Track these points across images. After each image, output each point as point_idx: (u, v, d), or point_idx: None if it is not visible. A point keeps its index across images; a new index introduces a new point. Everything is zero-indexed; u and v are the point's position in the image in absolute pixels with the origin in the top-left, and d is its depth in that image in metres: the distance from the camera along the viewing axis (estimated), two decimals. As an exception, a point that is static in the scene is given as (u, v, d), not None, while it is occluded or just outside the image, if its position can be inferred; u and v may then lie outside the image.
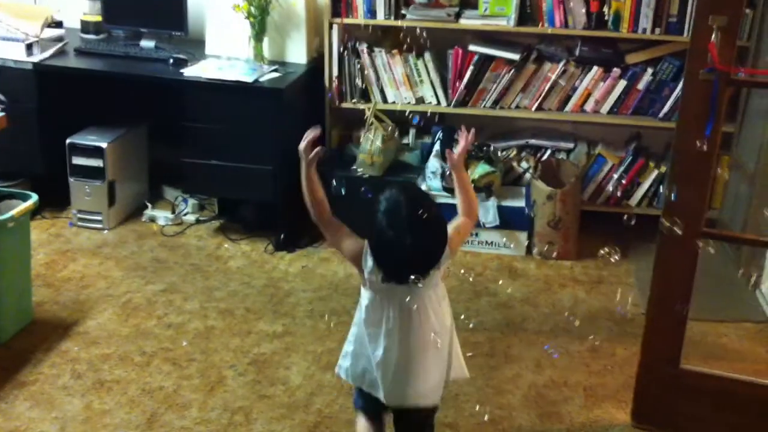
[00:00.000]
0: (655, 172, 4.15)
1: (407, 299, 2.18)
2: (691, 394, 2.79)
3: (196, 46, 4.26)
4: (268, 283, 3.74)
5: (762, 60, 3.83)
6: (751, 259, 3.84)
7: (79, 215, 4.16)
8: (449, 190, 4.02)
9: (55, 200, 4.26)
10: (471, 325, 3.44)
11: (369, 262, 2.20)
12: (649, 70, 4.03)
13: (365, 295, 2.27)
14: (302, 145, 2.29)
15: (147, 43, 4.27)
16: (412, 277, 2.11)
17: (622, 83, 4.05)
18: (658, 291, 2.74)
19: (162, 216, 4.27)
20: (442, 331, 2.26)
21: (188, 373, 3.10)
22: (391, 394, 2.28)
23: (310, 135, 2.29)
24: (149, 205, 4.34)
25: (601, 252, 2.61)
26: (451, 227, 2.25)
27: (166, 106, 4.10)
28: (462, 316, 3.51)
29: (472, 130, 2.38)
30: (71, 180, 4.13)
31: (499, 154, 4.21)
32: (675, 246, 2.66)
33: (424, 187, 4.04)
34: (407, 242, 2.08)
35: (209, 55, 4.20)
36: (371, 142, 4.02)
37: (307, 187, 2.31)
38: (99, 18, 4.40)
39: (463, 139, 2.37)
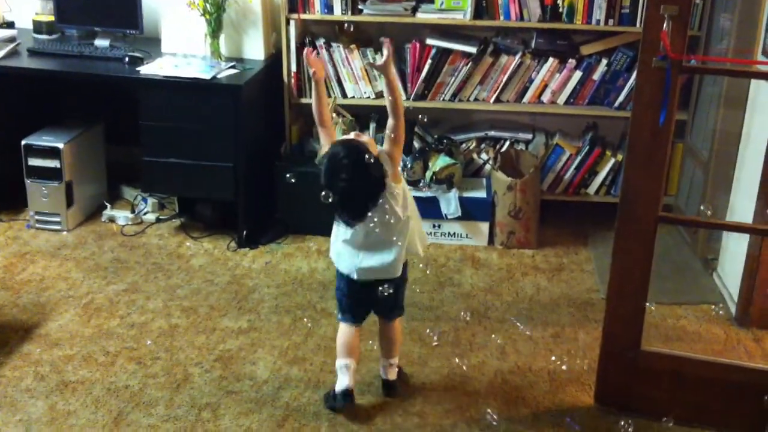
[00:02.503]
0: (612, 161, 4.23)
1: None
2: (652, 375, 2.85)
3: (151, 45, 4.22)
4: (231, 280, 3.73)
5: (713, 48, 3.92)
6: (707, 242, 3.93)
7: (36, 217, 4.11)
8: (411, 183, 4.05)
9: (11, 203, 4.21)
10: (435, 315, 3.48)
11: None
12: (604, 61, 4.10)
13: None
14: (311, 71, 2.78)
15: (101, 42, 4.23)
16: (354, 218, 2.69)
17: (578, 74, 4.12)
18: (617, 276, 2.79)
19: (122, 216, 4.23)
20: (395, 221, 2.72)
21: (153, 371, 3.08)
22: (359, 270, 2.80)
23: (310, 57, 2.77)
24: (108, 205, 4.29)
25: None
26: (383, 156, 2.70)
27: (122, 104, 4.07)
28: (426, 307, 3.56)
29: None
30: (28, 182, 4.07)
31: (460, 146, 4.25)
32: (633, 231, 2.72)
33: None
34: (342, 185, 2.62)
35: (165, 53, 4.17)
36: (331, 136, 4.01)
37: (316, 101, 2.80)
38: (51, 18, 4.34)
39: (387, 47, 2.70)
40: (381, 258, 2.77)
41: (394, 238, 2.75)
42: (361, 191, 2.66)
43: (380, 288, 2.75)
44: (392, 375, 2.97)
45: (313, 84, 2.82)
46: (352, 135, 2.77)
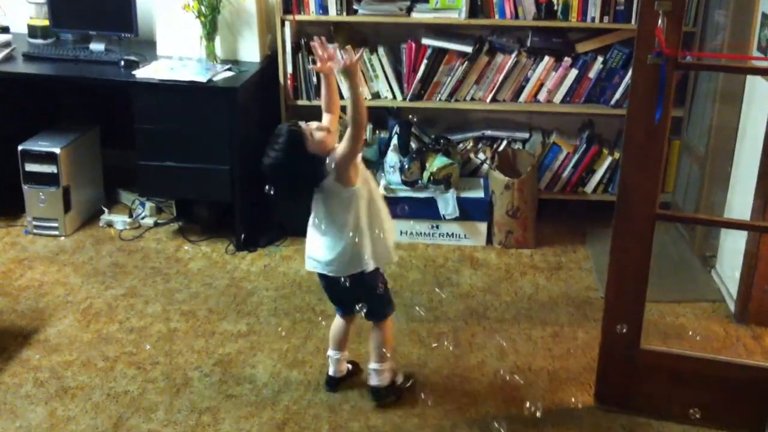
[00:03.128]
0: (609, 159, 4.22)
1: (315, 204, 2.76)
2: (651, 373, 2.85)
3: (146, 48, 4.22)
4: (230, 284, 3.73)
5: (708, 44, 3.92)
6: (704, 240, 3.93)
7: (34, 222, 4.10)
8: (409, 184, 4.05)
9: (8, 208, 4.21)
10: (435, 316, 3.48)
11: None
12: (599, 59, 4.09)
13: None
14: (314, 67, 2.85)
15: (96, 46, 4.22)
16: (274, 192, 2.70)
17: (574, 72, 4.11)
18: (615, 274, 2.79)
19: (119, 220, 4.22)
20: (337, 227, 2.73)
21: (153, 376, 3.07)
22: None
23: (318, 51, 2.76)
24: (106, 209, 4.29)
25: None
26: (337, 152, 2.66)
27: (118, 108, 4.07)
28: (425, 307, 3.55)
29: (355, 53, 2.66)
30: (25, 187, 4.06)
31: (457, 146, 4.25)
32: (631, 229, 2.71)
33: (383, 182, 4.07)
34: (266, 162, 2.66)
35: (161, 56, 4.16)
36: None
37: (325, 88, 2.85)
38: (46, 22, 4.33)
39: (350, 53, 2.63)
40: (319, 252, 2.78)
41: (335, 241, 2.73)
42: (284, 175, 2.67)
43: (341, 279, 2.76)
44: (372, 380, 2.95)
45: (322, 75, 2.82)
46: (314, 124, 2.71)
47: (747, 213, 3.34)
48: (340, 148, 2.66)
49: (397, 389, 2.97)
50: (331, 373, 3.02)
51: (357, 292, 2.81)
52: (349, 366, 3.05)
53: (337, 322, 2.98)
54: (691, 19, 3.94)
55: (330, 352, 3.01)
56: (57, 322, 3.40)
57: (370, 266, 2.76)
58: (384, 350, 2.92)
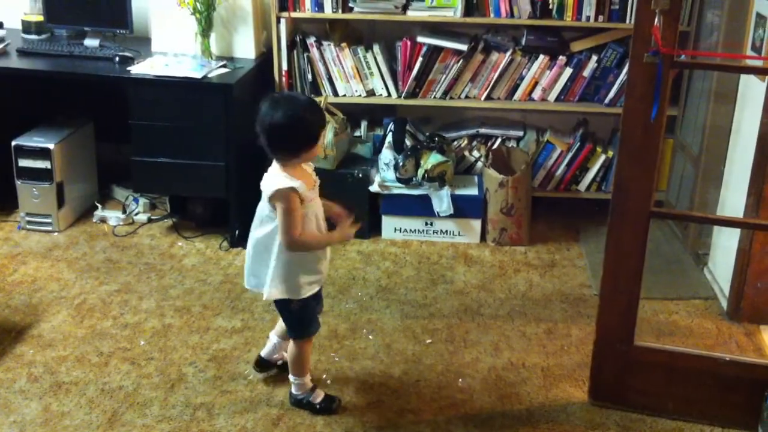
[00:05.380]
0: (603, 157, 4.24)
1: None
2: (645, 369, 2.87)
3: (141, 44, 4.21)
4: (224, 280, 3.73)
5: (702, 44, 3.94)
6: (697, 238, 3.95)
7: (27, 218, 4.09)
8: (403, 181, 4.06)
9: (2, 204, 4.20)
10: (429, 313, 3.49)
11: None
12: (594, 57, 4.11)
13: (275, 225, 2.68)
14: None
15: (91, 42, 4.21)
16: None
17: (568, 71, 4.13)
18: (610, 270, 2.80)
19: (113, 216, 4.22)
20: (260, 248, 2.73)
21: (147, 371, 3.07)
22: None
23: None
24: (99, 205, 4.28)
25: None
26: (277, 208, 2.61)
27: (113, 104, 4.06)
28: (419, 305, 3.56)
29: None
30: (18, 183, 4.05)
31: (451, 144, 4.26)
32: (625, 226, 2.73)
33: (378, 179, 4.07)
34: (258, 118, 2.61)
35: (155, 52, 4.16)
36: (323, 135, 4.00)
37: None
38: (40, 18, 4.32)
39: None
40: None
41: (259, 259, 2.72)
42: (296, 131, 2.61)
43: None
44: (292, 387, 2.90)
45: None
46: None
47: (740, 211, 3.36)
48: (280, 222, 2.61)
49: (310, 405, 2.87)
50: (263, 353, 3.04)
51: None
52: (283, 357, 3.02)
53: None
54: (686, 19, 3.97)
55: (271, 335, 3.03)
56: (51, 317, 3.39)
57: (269, 292, 2.73)
58: (298, 365, 2.85)
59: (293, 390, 2.90)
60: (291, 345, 2.86)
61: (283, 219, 2.59)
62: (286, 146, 2.61)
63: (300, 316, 2.79)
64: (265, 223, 2.69)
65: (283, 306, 2.79)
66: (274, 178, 2.62)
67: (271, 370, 3.06)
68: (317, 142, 2.65)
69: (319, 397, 2.89)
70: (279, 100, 2.64)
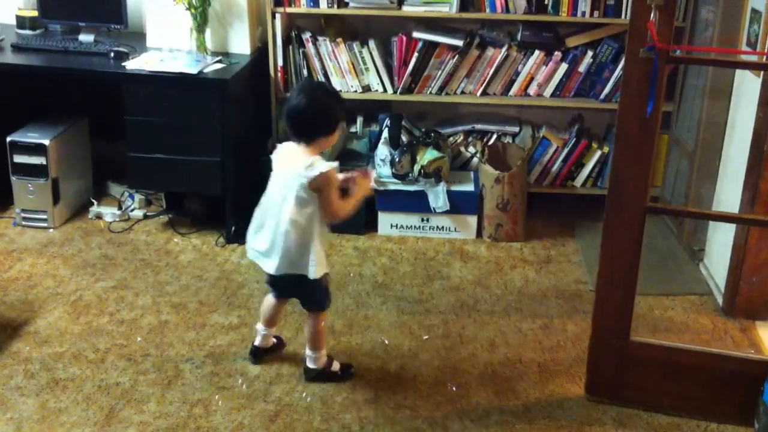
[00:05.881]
0: (598, 153, 4.25)
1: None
2: (641, 365, 2.87)
3: (136, 39, 4.20)
4: (220, 276, 3.73)
5: (697, 39, 3.95)
6: (693, 234, 3.96)
7: (23, 214, 4.08)
8: (399, 177, 4.06)
9: (-4, 200, 4.19)
10: (425, 309, 3.50)
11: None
12: (589, 53, 4.11)
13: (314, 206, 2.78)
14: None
15: (86, 37, 4.20)
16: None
17: (564, 66, 4.13)
18: (606, 266, 2.81)
19: (108, 212, 4.21)
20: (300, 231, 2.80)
21: (144, 368, 3.07)
22: None
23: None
24: (95, 201, 4.27)
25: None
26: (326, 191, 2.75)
27: (108, 100, 4.04)
28: (416, 300, 3.56)
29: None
30: (13, 179, 4.04)
31: (447, 140, 4.26)
32: (621, 222, 2.73)
33: (374, 175, 4.07)
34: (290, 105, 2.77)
35: (150, 47, 4.14)
36: (341, 126, 4.01)
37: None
38: (35, 13, 4.30)
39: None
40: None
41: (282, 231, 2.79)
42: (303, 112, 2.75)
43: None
44: (307, 362, 3.02)
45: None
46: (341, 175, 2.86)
47: (735, 206, 3.37)
48: (327, 203, 2.76)
49: (330, 373, 3.02)
50: (256, 343, 3.11)
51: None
52: (275, 339, 3.16)
53: (269, 300, 3.07)
54: (681, 15, 3.97)
55: (258, 327, 3.11)
56: (47, 314, 3.39)
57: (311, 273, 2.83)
58: (319, 338, 2.99)
59: (310, 364, 3.00)
60: (311, 321, 2.97)
61: (330, 198, 2.75)
62: (305, 129, 2.75)
63: (326, 287, 2.96)
64: (303, 206, 2.76)
65: (313, 282, 2.85)
66: (313, 161, 2.72)
67: (268, 355, 3.13)
68: (335, 130, 2.79)
69: (337, 366, 3.03)
70: (304, 86, 2.87)
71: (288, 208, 2.76)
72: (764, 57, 3.22)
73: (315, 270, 2.80)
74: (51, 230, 4.08)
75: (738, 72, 3.53)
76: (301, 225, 2.77)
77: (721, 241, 3.61)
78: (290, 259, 2.81)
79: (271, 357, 3.13)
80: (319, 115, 2.75)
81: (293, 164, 2.75)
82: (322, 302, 2.97)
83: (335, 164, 2.74)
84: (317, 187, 2.72)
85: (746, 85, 3.43)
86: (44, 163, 4.00)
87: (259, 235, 2.87)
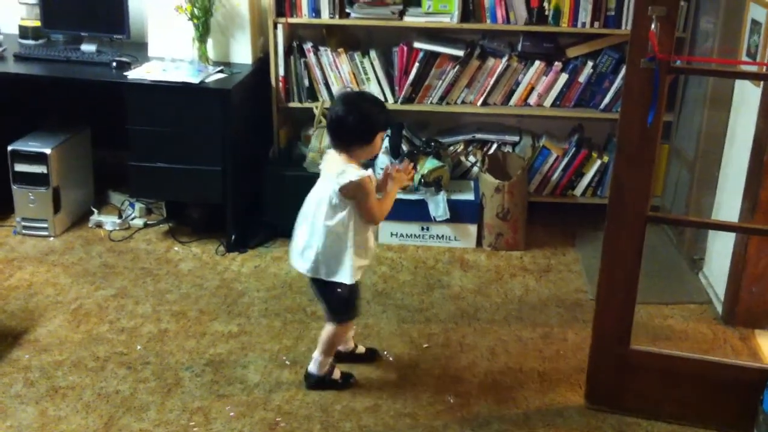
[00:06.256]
0: (598, 162, 4.26)
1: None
2: (641, 373, 2.88)
3: (138, 49, 4.22)
4: (220, 285, 3.73)
5: (697, 50, 3.96)
6: (693, 243, 3.97)
7: (23, 223, 4.08)
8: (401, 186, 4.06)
9: (-3, 208, 4.20)
10: (425, 318, 3.50)
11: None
12: (590, 63, 4.13)
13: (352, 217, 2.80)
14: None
15: (88, 47, 4.22)
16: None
17: (564, 76, 4.15)
18: (606, 275, 2.81)
19: (109, 221, 4.21)
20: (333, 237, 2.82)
21: (144, 376, 3.07)
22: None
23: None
24: (95, 210, 4.28)
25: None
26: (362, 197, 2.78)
27: (110, 109, 4.06)
28: (416, 309, 3.57)
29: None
30: (14, 187, 4.05)
31: (447, 149, 4.27)
32: (622, 231, 2.74)
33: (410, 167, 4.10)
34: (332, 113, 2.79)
35: (152, 57, 4.16)
36: (321, 140, 4.03)
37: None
38: (37, 23, 4.32)
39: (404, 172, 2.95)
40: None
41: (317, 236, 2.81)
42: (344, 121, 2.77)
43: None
44: (310, 366, 3.03)
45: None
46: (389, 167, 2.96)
47: (735, 216, 3.38)
48: (363, 210, 2.79)
49: (330, 381, 3.02)
50: (342, 349, 3.14)
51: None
52: (354, 344, 3.19)
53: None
54: (682, 25, 3.99)
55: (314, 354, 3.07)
56: (47, 322, 3.39)
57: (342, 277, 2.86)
58: (329, 346, 2.99)
59: (312, 368, 3.01)
60: (329, 327, 2.96)
61: (366, 205, 2.77)
62: (341, 136, 2.79)
63: (348, 298, 2.92)
64: (337, 211, 2.78)
65: (330, 290, 2.88)
66: (346, 168, 2.75)
67: (356, 360, 3.17)
68: (371, 140, 2.79)
69: (338, 374, 3.04)
70: (345, 95, 2.97)
71: (321, 211, 2.80)
72: (764, 67, 3.23)
73: (347, 274, 2.81)
74: (51, 239, 4.09)
75: (738, 82, 3.54)
76: (332, 229, 2.79)
77: (720, 250, 3.61)
78: (316, 262, 2.83)
79: (347, 362, 3.14)
80: (354, 124, 2.76)
81: (329, 170, 2.80)
82: (339, 314, 2.95)
83: (367, 172, 2.76)
84: (349, 194, 2.75)
85: (746, 95, 3.45)
86: (45, 172, 4.01)
87: (296, 235, 2.91)
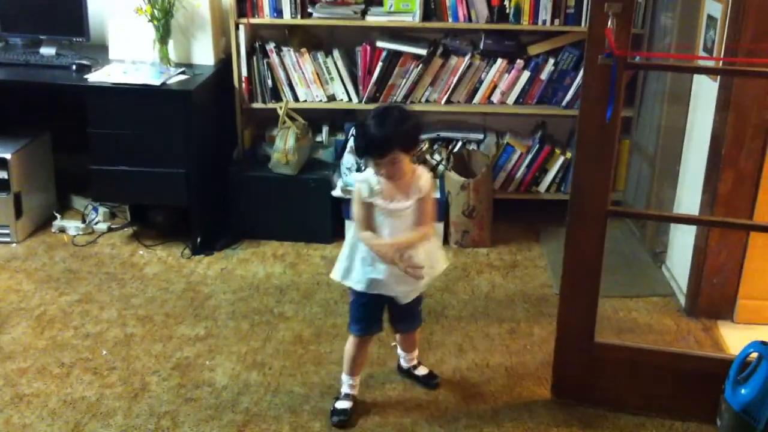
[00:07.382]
0: (561, 159, 4.30)
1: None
2: (606, 366, 2.91)
3: (98, 52, 4.17)
4: (186, 288, 3.71)
5: (656, 46, 4.02)
6: (655, 237, 4.02)
7: (-16, 229, 4.03)
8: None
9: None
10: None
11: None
12: (551, 61, 4.17)
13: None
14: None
15: (47, 50, 4.17)
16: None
17: (526, 74, 4.18)
18: (570, 269, 2.84)
19: (72, 226, 4.17)
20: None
21: (110, 381, 3.04)
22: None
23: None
24: (58, 215, 4.23)
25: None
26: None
27: (70, 113, 4.02)
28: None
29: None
30: (-26, 194, 4.00)
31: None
32: (584, 226, 2.77)
33: (340, 183, 4.08)
34: (375, 126, 2.64)
35: (113, 59, 4.12)
36: (285, 140, 4.02)
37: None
38: (-6, 26, 4.26)
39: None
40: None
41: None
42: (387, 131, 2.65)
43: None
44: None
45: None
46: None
47: (695, 209, 3.43)
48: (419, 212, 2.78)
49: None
50: (404, 365, 3.11)
51: None
52: (417, 362, 3.12)
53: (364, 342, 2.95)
54: (639, 22, 4.04)
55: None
56: (10, 329, 3.34)
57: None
58: (344, 359, 2.94)
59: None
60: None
61: (353, 207, 2.81)
62: (357, 148, 2.94)
63: (351, 307, 2.91)
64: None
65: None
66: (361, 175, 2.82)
67: (412, 379, 3.11)
68: (379, 157, 2.65)
69: (335, 405, 2.91)
70: (379, 109, 2.78)
71: None
72: (720, 62, 3.28)
73: (344, 277, 2.82)
74: (14, 245, 4.03)
75: (696, 77, 3.59)
76: (351, 233, 2.85)
77: (682, 243, 3.67)
78: (340, 261, 2.86)
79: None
80: (361, 136, 2.76)
81: None
82: (350, 322, 2.92)
83: (363, 180, 2.71)
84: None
85: (704, 90, 3.50)
86: (6, 177, 3.96)
87: None
